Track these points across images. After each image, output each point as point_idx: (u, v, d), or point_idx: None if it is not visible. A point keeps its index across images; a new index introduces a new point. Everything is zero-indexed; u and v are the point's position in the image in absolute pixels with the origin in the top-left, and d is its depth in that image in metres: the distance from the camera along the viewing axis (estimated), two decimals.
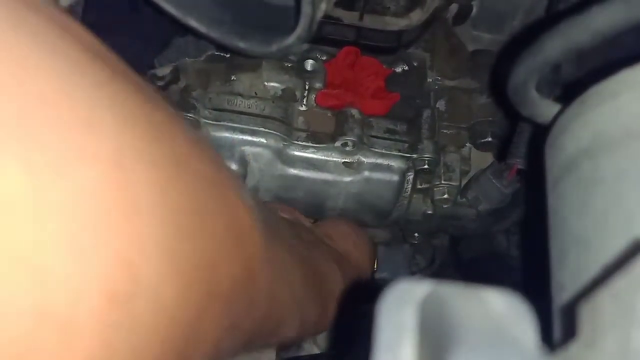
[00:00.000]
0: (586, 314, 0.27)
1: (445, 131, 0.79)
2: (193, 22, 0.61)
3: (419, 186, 0.78)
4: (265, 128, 0.73)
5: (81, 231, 0.22)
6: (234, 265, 0.34)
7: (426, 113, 0.78)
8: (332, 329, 0.84)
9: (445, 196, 0.76)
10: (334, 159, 0.75)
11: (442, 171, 0.76)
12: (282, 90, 0.77)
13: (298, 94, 0.77)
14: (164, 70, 0.75)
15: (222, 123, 0.73)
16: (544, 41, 0.46)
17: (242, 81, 0.77)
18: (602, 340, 0.26)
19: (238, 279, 0.34)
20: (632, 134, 0.37)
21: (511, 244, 0.91)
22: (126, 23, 0.71)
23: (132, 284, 0.24)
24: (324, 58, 0.79)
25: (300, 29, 0.56)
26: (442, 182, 0.76)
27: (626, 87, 0.39)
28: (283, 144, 0.74)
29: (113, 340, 0.24)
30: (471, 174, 0.79)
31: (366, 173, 0.75)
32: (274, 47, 0.60)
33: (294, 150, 0.74)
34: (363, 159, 0.75)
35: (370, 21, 0.73)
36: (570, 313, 0.29)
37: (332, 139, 0.74)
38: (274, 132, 0.73)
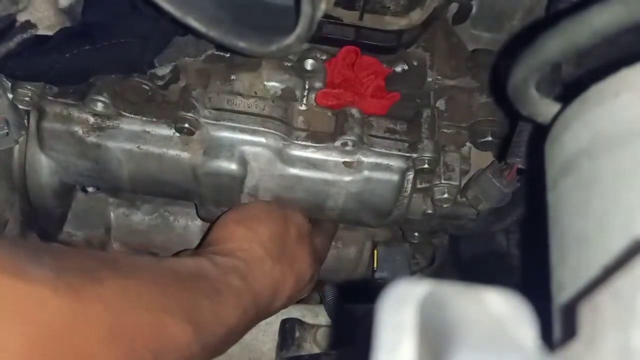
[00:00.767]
0: (586, 314, 0.27)
1: (445, 130, 0.79)
2: (193, 22, 0.60)
3: (419, 186, 0.78)
4: (265, 127, 0.73)
5: None
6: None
7: (426, 112, 0.78)
8: (332, 328, 0.84)
9: (445, 195, 0.76)
10: (334, 159, 0.74)
11: (442, 170, 0.76)
12: (282, 89, 0.77)
13: (298, 93, 0.77)
14: (164, 70, 0.75)
15: (221, 123, 0.73)
16: (544, 40, 0.46)
17: (242, 81, 0.77)
18: (602, 339, 0.26)
19: None
20: (632, 134, 0.37)
21: (511, 243, 0.91)
22: (126, 23, 0.71)
23: None
24: (324, 57, 0.79)
25: (300, 29, 0.56)
26: (442, 181, 0.76)
27: (626, 87, 0.39)
28: (283, 144, 0.74)
29: None
30: (471, 173, 0.79)
31: (366, 172, 0.75)
32: (274, 47, 0.60)
33: (293, 149, 0.74)
34: (363, 159, 0.74)
35: (370, 21, 0.73)
36: (571, 313, 0.29)
37: (332, 138, 0.74)
38: (274, 132, 0.73)
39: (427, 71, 0.82)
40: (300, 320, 0.85)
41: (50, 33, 0.71)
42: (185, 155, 0.74)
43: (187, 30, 0.70)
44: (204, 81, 0.76)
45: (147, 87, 0.75)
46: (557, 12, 0.67)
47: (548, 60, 0.47)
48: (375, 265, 0.92)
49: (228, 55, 0.78)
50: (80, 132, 0.73)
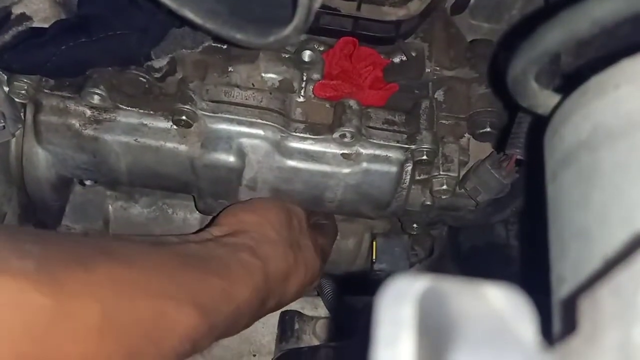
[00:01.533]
0: (586, 308, 0.27)
1: (443, 122, 0.78)
2: (189, 14, 0.60)
3: (418, 177, 0.78)
4: (262, 120, 0.73)
5: None
6: None
7: (424, 103, 0.77)
8: (331, 320, 0.84)
9: (444, 187, 0.76)
10: (332, 151, 0.74)
11: (440, 162, 0.76)
12: (280, 81, 0.77)
13: (296, 85, 0.77)
14: (161, 62, 0.75)
15: (219, 115, 0.73)
16: (543, 31, 0.46)
17: (240, 72, 0.77)
18: (602, 334, 0.26)
19: None
20: (632, 126, 0.37)
21: (510, 234, 0.91)
22: (122, 15, 0.70)
23: None
24: (322, 49, 0.78)
25: (297, 20, 0.56)
26: (441, 172, 0.76)
27: (626, 78, 0.39)
28: (281, 136, 0.73)
29: None
30: (470, 164, 0.78)
31: (364, 164, 0.75)
32: (272, 38, 0.59)
33: (291, 141, 0.74)
34: (361, 150, 0.74)
35: (367, 11, 0.72)
36: (571, 307, 0.29)
37: (330, 130, 0.73)
38: (272, 124, 0.73)
39: (425, 62, 0.81)
40: (300, 313, 0.85)
41: (46, 25, 0.71)
42: (182, 147, 0.74)
43: (183, 22, 0.69)
44: (201, 73, 0.75)
45: (144, 80, 0.74)
46: (556, 2, 0.67)
47: (547, 51, 0.46)
48: (374, 257, 0.92)
49: (225, 47, 0.77)
50: (77, 125, 0.73)
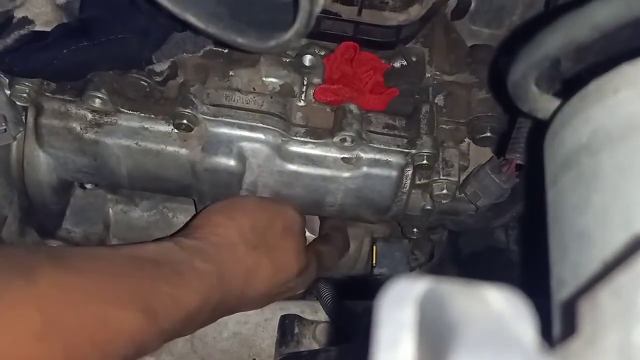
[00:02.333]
0: (586, 310, 0.27)
1: (444, 126, 0.78)
2: (191, 18, 0.60)
3: (418, 182, 0.78)
4: (263, 124, 0.73)
5: None
6: None
7: (425, 108, 0.78)
8: (331, 324, 0.84)
9: (444, 191, 0.76)
10: (333, 155, 0.74)
11: (440, 166, 0.76)
12: (281, 85, 0.77)
13: (296, 89, 0.77)
14: (162, 66, 0.75)
15: (220, 119, 0.73)
16: (543, 36, 0.46)
17: (241, 77, 0.77)
18: (603, 336, 0.26)
19: None
20: (631, 129, 0.37)
21: (510, 239, 0.91)
22: (124, 18, 0.71)
23: None
24: (323, 53, 0.78)
25: (298, 24, 0.56)
26: (441, 177, 0.76)
27: (625, 82, 0.39)
28: (281, 140, 0.74)
29: None
30: (470, 169, 0.78)
31: (365, 169, 0.75)
32: (272, 43, 0.59)
33: (292, 146, 0.74)
34: (362, 155, 0.74)
35: (368, 16, 0.72)
36: (571, 309, 0.29)
37: (331, 134, 0.74)
38: (273, 128, 0.73)
39: (426, 67, 0.82)
40: (300, 316, 0.85)
41: (48, 29, 0.71)
42: (183, 151, 0.74)
43: (185, 26, 0.69)
44: (202, 77, 0.76)
45: (145, 83, 0.74)
46: (556, 7, 0.67)
47: (548, 55, 0.46)
48: (374, 261, 0.92)
49: (226, 51, 0.78)
50: (78, 128, 0.73)
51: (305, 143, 0.74)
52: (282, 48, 0.62)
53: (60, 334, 0.53)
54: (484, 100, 0.79)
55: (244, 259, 0.73)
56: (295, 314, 0.85)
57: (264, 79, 0.77)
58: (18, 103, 0.73)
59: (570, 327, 0.28)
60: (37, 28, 0.71)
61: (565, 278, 0.38)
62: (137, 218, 0.91)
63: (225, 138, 0.73)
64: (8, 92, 0.73)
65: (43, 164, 0.78)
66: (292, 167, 0.75)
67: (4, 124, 0.73)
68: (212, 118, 0.73)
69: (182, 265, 0.67)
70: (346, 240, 0.92)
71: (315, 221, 0.94)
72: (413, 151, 0.74)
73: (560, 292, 0.38)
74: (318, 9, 0.56)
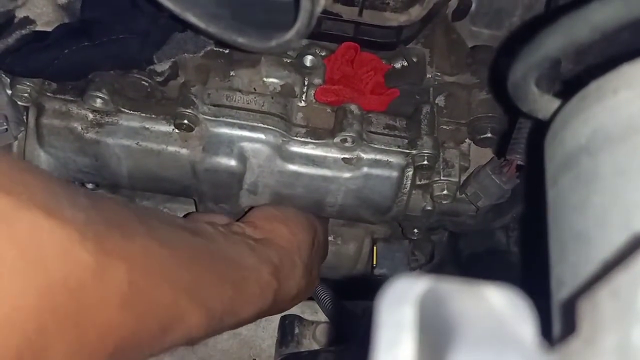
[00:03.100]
0: (586, 310, 0.27)
1: (444, 127, 0.78)
2: (192, 18, 0.60)
3: (418, 182, 0.78)
4: (264, 124, 0.73)
5: None
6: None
7: (425, 109, 0.78)
8: (331, 325, 0.84)
9: (445, 192, 0.76)
10: (333, 155, 0.74)
11: (441, 167, 0.76)
12: (281, 86, 0.77)
13: (297, 89, 0.77)
14: (163, 66, 0.75)
15: (221, 119, 0.73)
16: (543, 37, 0.46)
17: (241, 77, 0.77)
18: (602, 336, 0.26)
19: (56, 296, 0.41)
20: (631, 130, 0.37)
21: (510, 240, 0.91)
22: (125, 19, 0.71)
23: None
24: (323, 54, 0.79)
25: (299, 25, 0.56)
26: (442, 178, 0.76)
27: (625, 83, 0.39)
28: (282, 140, 0.74)
29: None
30: (470, 170, 0.78)
31: (365, 169, 0.75)
32: (273, 43, 0.60)
33: (293, 146, 0.74)
34: (362, 155, 0.74)
35: (369, 17, 0.72)
36: (570, 309, 0.29)
37: (332, 134, 0.74)
38: (273, 128, 0.73)
39: (426, 67, 0.82)
40: (300, 317, 0.85)
41: (49, 29, 0.71)
42: (184, 151, 0.74)
43: (186, 26, 0.70)
44: (203, 77, 0.76)
45: (146, 84, 0.74)
46: (556, 8, 0.67)
47: (548, 56, 0.47)
48: (374, 262, 0.92)
49: (227, 51, 0.78)
50: (79, 128, 0.73)
51: (306, 143, 0.74)
52: (282, 48, 0.62)
53: (139, 307, 0.49)
54: (485, 101, 0.79)
55: (299, 281, 0.74)
56: (296, 315, 0.85)
57: (264, 79, 0.77)
58: (19, 103, 0.74)
59: (569, 327, 0.28)
60: (38, 28, 0.71)
61: (564, 278, 0.38)
62: None
63: (226, 138, 0.74)
64: (9, 92, 0.73)
65: (44, 163, 0.78)
66: (293, 167, 0.75)
67: (5, 123, 0.73)
68: (213, 118, 0.73)
69: (250, 272, 0.66)
70: (326, 248, 0.92)
71: None
72: (414, 152, 0.74)
73: (560, 292, 0.38)
74: (319, 9, 0.56)
